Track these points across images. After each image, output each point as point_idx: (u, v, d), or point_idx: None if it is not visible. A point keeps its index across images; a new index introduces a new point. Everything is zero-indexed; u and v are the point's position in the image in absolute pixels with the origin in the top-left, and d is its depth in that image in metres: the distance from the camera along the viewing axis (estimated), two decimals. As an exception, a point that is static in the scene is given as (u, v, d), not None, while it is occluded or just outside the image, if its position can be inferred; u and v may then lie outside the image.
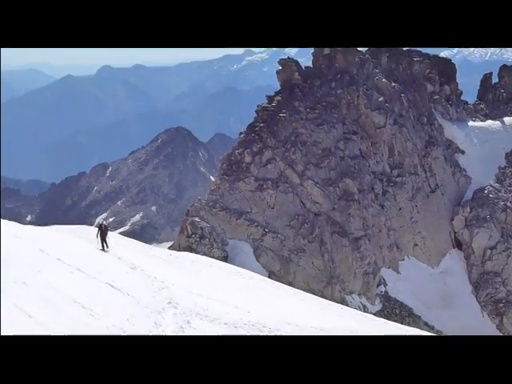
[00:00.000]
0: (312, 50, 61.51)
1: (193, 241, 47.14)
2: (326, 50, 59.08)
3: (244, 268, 38.80)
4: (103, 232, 26.92)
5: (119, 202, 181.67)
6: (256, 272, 40.25)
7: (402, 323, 38.02)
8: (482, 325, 54.29)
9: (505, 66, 73.63)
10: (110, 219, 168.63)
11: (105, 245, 26.72)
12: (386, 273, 54.46)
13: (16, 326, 9.09)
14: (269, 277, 43.16)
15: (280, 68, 57.90)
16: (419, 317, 51.77)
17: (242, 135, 55.29)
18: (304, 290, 37.60)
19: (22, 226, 26.65)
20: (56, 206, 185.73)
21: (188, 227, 47.89)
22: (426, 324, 50.19)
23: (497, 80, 70.53)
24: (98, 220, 26.73)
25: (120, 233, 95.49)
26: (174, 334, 14.02)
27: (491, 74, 71.35)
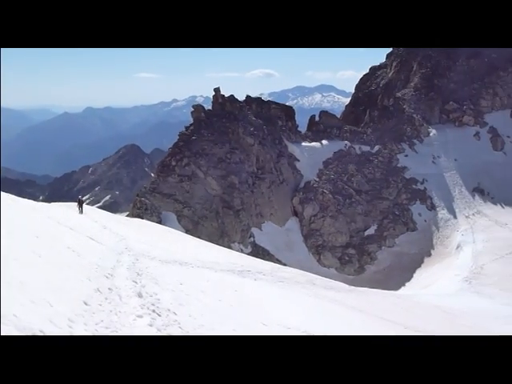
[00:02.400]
0: (212, 98, 66.88)
1: (140, 212, 52.30)
2: (220, 100, 65.63)
3: (171, 228, 44.35)
4: (80, 203, 32.21)
5: (96, 189, 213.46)
6: (178, 230, 45.50)
7: (263, 259, 40.15)
8: (308, 260, 60.61)
9: (323, 111, 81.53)
10: (90, 199, 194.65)
11: (81, 210, 31.52)
12: (254, 230, 60.16)
13: (29, 264, 8.87)
14: (186, 233, 47.11)
15: (193, 110, 64.79)
16: (273, 255, 57.10)
17: (170, 149, 61.48)
18: (207, 241, 41.27)
19: (36, 202, 29.62)
20: (58, 191, 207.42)
21: (138, 203, 53.83)
22: (277, 259, 54.29)
23: (318, 119, 77.68)
24: (79, 197, 31.50)
25: (97, 207, 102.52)
26: (127, 269, 13.53)
27: (315, 115, 78.49)
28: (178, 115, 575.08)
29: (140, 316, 8.46)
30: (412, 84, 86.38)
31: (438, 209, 69.22)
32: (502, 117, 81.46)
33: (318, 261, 62.01)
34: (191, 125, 63.73)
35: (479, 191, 71.47)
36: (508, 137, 79.38)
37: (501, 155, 77.60)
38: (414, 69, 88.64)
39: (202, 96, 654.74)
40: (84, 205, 33.96)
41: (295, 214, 64.99)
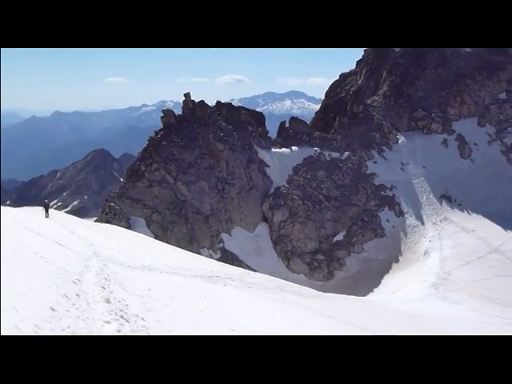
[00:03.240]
0: (182, 103, 66.38)
1: (109, 217, 51.81)
2: (190, 105, 65.42)
3: (140, 233, 43.94)
4: (46, 207, 32.02)
5: (64, 194, 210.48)
6: (147, 235, 44.99)
7: (232, 265, 40.35)
8: (278, 265, 60.55)
9: (293, 117, 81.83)
10: (58, 203, 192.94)
11: (47, 214, 31.48)
12: (223, 236, 59.81)
13: None
14: (155, 238, 46.66)
15: (163, 115, 64.29)
16: (242, 261, 56.86)
17: (140, 154, 61.04)
18: (176, 246, 41.35)
19: (3, 207, 27.95)
20: (25, 195, 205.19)
21: (106, 208, 53.20)
22: (246, 265, 54.19)
23: (288, 125, 77.64)
24: (45, 201, 30.98)
25: (65, 212, 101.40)
26: (95, 274, 13.30)
27: (285, 121, 78.60)
28: (147, 120, 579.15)
29: (108, 322, 8.35)
30: (381, 91, 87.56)
31: (406, 215, 70.16)
32: (470, 124, 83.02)
33: (287, 266, 62.19)
34: (161, 130, 63.44)
35: (447, 198, 72.74)
36: (475, 144, 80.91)
37: (468, 162, 79.10)
38: (384, 76, 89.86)
39: (171, 101, 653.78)
40: (52, 209, 34.16)
41: (265, 219, 65.11)
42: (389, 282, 60.27)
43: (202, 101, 67.94)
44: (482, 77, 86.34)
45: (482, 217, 69.08)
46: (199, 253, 50.22)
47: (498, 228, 65.71)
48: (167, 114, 64.94)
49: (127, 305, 10.36)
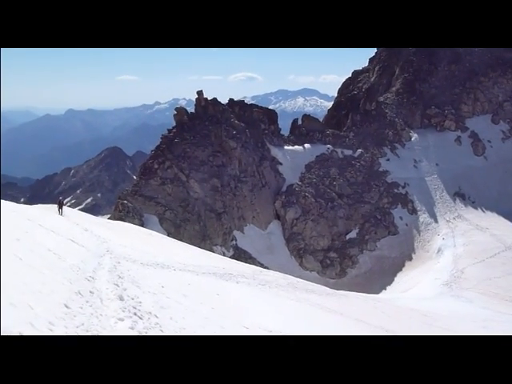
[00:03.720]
0: (194, 101, 66.43)
1: (122, 214, 51.80)
2: (202, 103, 65.43)
3: (153, 230, 43.08)
4: (60, 204, 32.06)
5: (78, 191, 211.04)
6: (160, 233, 44.55)
7: (245, 262, 39.80)
8: (290, 263, 60.55)
9: (305, 115, 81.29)
10: (72, 201, 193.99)
11: (61, 211, 31.42)
12: (236, 233, 59.89)
13: (9, 267, 8.46)
14: (168, 236, 46.19)
15: (175, 113, 64.48)
16: (255, 259, 56.83)
17: (152, 152, 61.18)
18: (189, 244, 40.80)
19: (17, 204, 29.38)
20: (39, 193, 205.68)
21: (120, 206, 53.28)
22: (259, 263, 53.94)
23: (300, 123, 77.36)
24: (59, 198, 30.90)
25: (78, 209, 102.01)
26: (109, 272, 13.20)
27: (297, 119, 78.37)
28: (160, 118, 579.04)
29: (121, 319, 8.42)
30: (394, 88, 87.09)
31: (419, 213, 69.76)
32: (483, 122, 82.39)
33: (300, 264, 62.14)
34: (174, 128, 63.62)
35: (460, 195, 72.28)
36: (489, 141, 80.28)
37: (481, 160, 78.53)
38: (396, 73, 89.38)
39: (184, 99, 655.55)
40: (65, 207, 34.21)
41: (277, 217, 65.07)
42: (401, 279, 60.06)
43: (215, 98, 68.09)
44: (496, 74, 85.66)
45: (495, 214, 68.67)
46: (212, 250, 50.14)
47: (512, 225, 65.21)
48: (180, 111, 65.15)
49: (140, 302, 10.41)
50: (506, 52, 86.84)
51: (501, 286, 49.82)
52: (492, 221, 66.79)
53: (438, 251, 62.25)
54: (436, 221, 68.39)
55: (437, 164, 76.67)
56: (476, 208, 70.58)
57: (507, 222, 66.54)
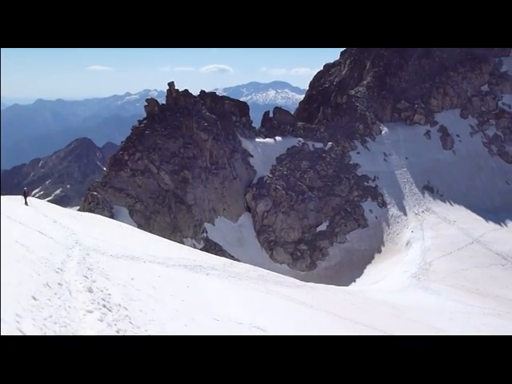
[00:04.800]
0: (166, 93, 66.46)
1: (92, 206, 51.55)
2: (174, 94, 65.18)
3: (123, 222, 42.74)
4: (25, 194, 31.90)
5: (47, 182, 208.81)
6: (130, 225, 44.26)
7: (215, 255, 40.61)
8: (261, 255, 60.93)
9: (277, 107, 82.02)
10: (41, 192, 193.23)
11: (26, 201, 31.09)
12: (207, 225, 59.87)
13: None
14: (138, 227, 46.24)
15: (146, 104, 64.37)
16: (226, 251, 56.78)
17: (123, 143, 60.87)
18: (159, 236, 40.46)
19: None
20: (7, 184, 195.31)
21: (89, 197, 53.13)
22: (229, 255, 54.09)
23: (272, 115, 77.74)
24: (24, 188, 30.24)
25: (47, 200, 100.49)
26: (78, 264, 13.01)
27: (269, 111, 78.77)
28: (131, 109, 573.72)
29: (90, 311, 8.32)
30: (365, 82, 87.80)
31: (388, 206, 70.59)
32: (452, 116, 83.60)
33: (271, 256, 62.47)
34: (144, 119, 63.28)
35: (429, 189, 73.31)
36: (457, 136, 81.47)
37: (450, 154, 79.66)
38: (367, 67, 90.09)
39: (156, 90, 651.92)
40: (34, 198, 33.93)
41: (248, 209, 65.31)
42: (371, 272, 60.74)
43: (186, 90, 67.82)
44: (465, 69, 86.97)
45: (463, 208, 69.81)
46: (182, 242, 49.87)
47: (479, 219, 66.49)
48: (151, 103, 64.77)
49: (110, 294, 10.31)
50: (475, 48, 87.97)
51: (468, 279, 50.79)
52: (460, 214, 67.89)
53: (407, 244, 63.09)
54: (405, 214, 69.26)
55: (406, 158, 77.57)
56: (444, 201, 71.66)
57: (474, 215, 67.69)
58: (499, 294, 47.31)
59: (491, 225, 64.89)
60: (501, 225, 65.42)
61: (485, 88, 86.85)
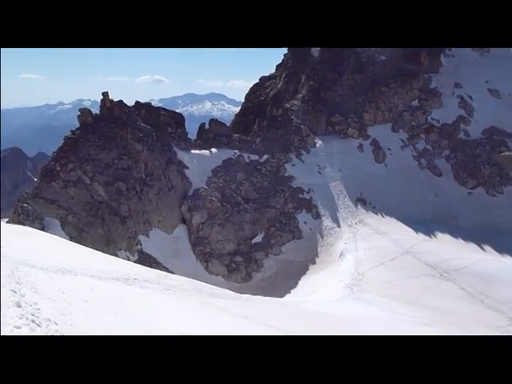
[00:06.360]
0: (100, 103, 65.26)
1: (22, 218, 50.17)
2: (108, 104, 64.35)
3: (55, 235, 41.44)
4: None
5: None
6: (62, 237, 42.44)
7: (150, 267, 39.79)
8: (196, 267, 60.24)
9: (213, 119, 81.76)
10: None
11: None
12: (141, 238, 59.03)
13: None
14: (70, 240, 44.94)
15: (79, 114, 62.85)
16: (161, 263, 56.36)
17: (55, 153, 59.36)
18: (92, 248, 38.17)
19: None
20: None
21: (19, 209, 51.48)
22: (164, 267, 53.90)
23: (208, 127, 77.70)
24: None
25: None
26: (6, 277, 12.47)
27: (205, 123, 78.45)
28: (64, 119, 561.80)
29: (18, 327, 8.07)
30: (300, 95, 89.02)
31: (322, 217, 71.18)
32: (384, 130, 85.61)
33: (206, 268, 61.90)
34: (78, 129, 62.03)
35: (362, 201, 74.64)
36: (389, 149, 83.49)
37: (382, 167, 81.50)
38: (303, 81, 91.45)
39: (89, 100, 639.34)
40: None
41: (183, 221, 64.77)
42: (306, 283, 60.86)
43: (121, 100, 66.85)
44: (396, 84, 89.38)
45: (394, 220, 71.38)
46: (116, 255, 49.21)
47: (410, 230, 68.10)
48: (84, 112, 63.43)
49: (39, 309, 10.02)
50: (406, 63, 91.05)
51: (399, 288, 51.90)
52: (392, 226, 69.42)
53: (341, 255, 63.86)
54: (339, 225, 70.20)
55: (340, 170, 78.74)
56: (376, 213, 73.10)
57: (406, 227, 69.30)
58: (429, 303, 48.50)
59: (422, 236, 66.58)
60: (431, 236, 67.17)
61: (415, 103, 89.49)
